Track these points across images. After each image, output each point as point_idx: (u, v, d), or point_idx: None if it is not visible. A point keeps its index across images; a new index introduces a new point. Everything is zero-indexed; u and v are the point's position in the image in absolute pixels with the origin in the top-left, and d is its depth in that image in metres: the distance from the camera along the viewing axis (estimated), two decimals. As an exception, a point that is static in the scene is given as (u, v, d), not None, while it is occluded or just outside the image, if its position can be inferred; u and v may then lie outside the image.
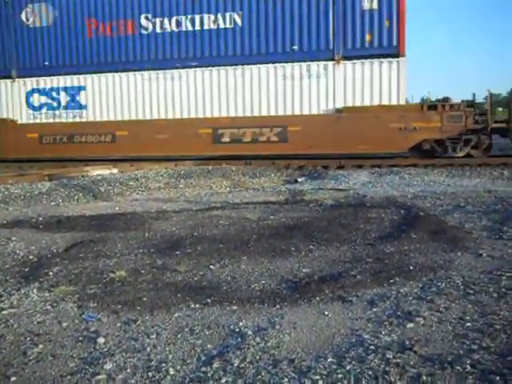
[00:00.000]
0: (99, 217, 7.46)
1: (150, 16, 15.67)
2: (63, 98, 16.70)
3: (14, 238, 6.07)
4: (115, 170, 13.77)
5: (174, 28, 15.48)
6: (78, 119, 16.66)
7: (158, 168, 14.33)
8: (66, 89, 16.63)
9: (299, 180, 12.13)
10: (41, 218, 7.44)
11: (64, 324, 3.42)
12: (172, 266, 4.70)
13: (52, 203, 9.18)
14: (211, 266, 4.69)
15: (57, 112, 16.81)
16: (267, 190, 10.57)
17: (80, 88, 16.50)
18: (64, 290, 4.09)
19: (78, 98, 16.57)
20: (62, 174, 12.82)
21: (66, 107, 16.71)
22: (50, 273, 4.60)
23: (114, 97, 16.25)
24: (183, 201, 9.14)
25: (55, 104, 16.82)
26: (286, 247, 5.27)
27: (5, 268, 4.82)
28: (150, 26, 15.65)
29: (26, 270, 4.74)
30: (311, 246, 5.29)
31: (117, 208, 8.36)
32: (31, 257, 5.21)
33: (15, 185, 10.87)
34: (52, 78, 16.69)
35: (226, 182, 11.88)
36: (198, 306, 3.70)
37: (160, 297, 3.89)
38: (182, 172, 13.13)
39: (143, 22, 15.67)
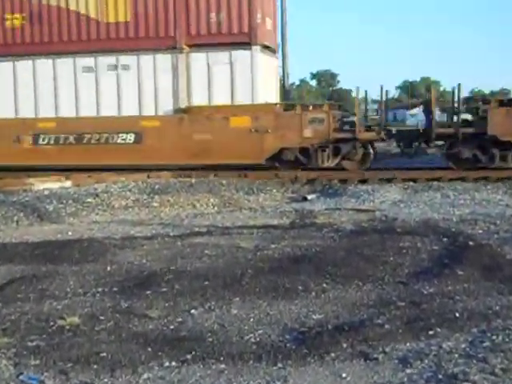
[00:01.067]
0: (46, 244, 7.40)
1: None
2: None
3: None
4: (68, 183, 13.73)
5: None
6: None
7: (125, 180, 14.30)
8: None
9: (309, 197, 12.11)
10: (-32, 246, 7.42)
11: (-5, 388, 3.39)
12: (141, 311, 4.66)
13: (-18, 226, 9.15)
14: (192, 311, 4.66)
15: None
16: (267, 210, 10.55)
17: None
18: (-4, 342, 4.06)
19: None
20: (-3, 187, 12.78)
21: None
22: (-21, 319, 4.56)
23: None
24: (157, 224, 9.10)
25: None
26: (291, 285, 5.23)
27: None
28: None
29: None
30: (324, 285, 5.26)
31: (69, 233, 8.31)
32: (-47, 298, 5.17)
33: None
34: None
35: (214, 199, 11.85)
36: (174, 363, 3.66)
37: (124, 352, 3.84)
38: (157, 186, 13.11)
39: None
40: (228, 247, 6.96)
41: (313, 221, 8.86)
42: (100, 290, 5.29)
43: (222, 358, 3.72)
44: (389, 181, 14.08)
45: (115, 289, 5.30)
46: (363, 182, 14.08)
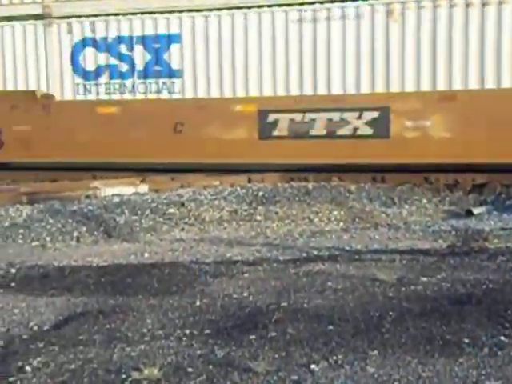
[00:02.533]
0: (115, 269, 7.63)
1: None
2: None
3: (-35, 305, 6.33)
4: (144, 188, 14.11)
5: None
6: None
7: (219, 185, 14.52)
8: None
9: (476, 212, 11.81)
10: (13, 270, 7.74)
11: None
12: (242, 362, 4.67)
13: (33, 243, 9.54)
14: (313, 366, 4.60)
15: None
16: (415, 228, 10.42)
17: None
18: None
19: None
20: (51, 192, 13.30)
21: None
22: (27, 367, 4.69)
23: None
24: (262, 244, 9.18)
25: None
26: (452, 337, 5.10)
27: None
28: None
29: (-12, 361, 4.90)
30: (502, 337, 5.08)
31: (146, 254, 8.53)
32: (-5, 338, 5.39)
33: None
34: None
35: (339, 212, 11.80)
36: None
37: (220, 419, 3.86)
38: (261, 193, 13.20)
39: None
40: (360, 279, 6.91)
41: (482, 245, 8.68)
42: (187, 332, 5.35)
43: None
44: None
45: (207, 331, 5.35)
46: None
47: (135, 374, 4.52)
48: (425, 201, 13.01)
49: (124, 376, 4.51)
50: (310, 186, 14.14)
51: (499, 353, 4.80)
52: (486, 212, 11.81)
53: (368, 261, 7.89)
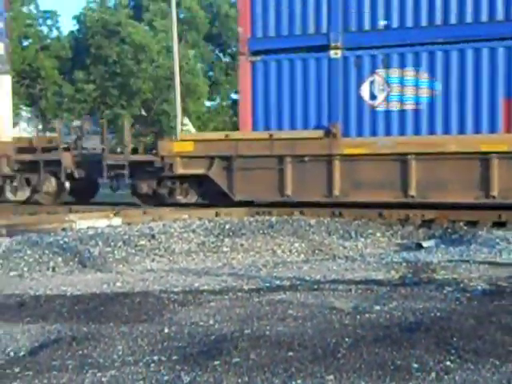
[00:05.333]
0: (89, 298, 7.55)
1: None
2: None
3: None
4: (117, 221, 14.07)
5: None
6: None
7: (188, 218, 14.51)
8: None
9: (425, 245, 11.89)
10: (-9, 298, 7.66)
11: None
12: (207, 388, 4.65)
13: (11, 273, 9.42)
14: (273, 391, 4.60)
15: None
16: (369, 260, 10.44)
17: None
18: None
19: None
20: (29, 224, 13.22)
21: None
22: (3, 393, 4.66)
23: None
24: (228, 274, 9.14)
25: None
26: (402, 362, 5.11)
27: None
28: None
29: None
30: (448, 363, 5.10)
31: (118, 284, 8.46)
32: (-27, 364, 5.31)
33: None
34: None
35: (300, 244, 11.82)
36: None
37: None
38: (227, 226, 13.21)
39: None
40: (318, 308, 6.90)
41: (431, 276, 8.71)
42: (155, 358, 5.31)
43: None
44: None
45: (175, 357, 5.32)
46: (500, 225, 13.72)
47: (105, 399, 4.50)
48: (379, 234, 13.10)
49: (95, 400, 4.49)
50: (273, 219, 14.20)
51: (445, 377, 4.83)
52: (435, 245, 11.92)
53: (326, 290, 7.89)
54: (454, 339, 5.66)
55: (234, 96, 48.24)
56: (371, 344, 5.57)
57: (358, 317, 6.50)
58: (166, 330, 6.12)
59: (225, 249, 11.35)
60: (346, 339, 5.70)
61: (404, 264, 9.78)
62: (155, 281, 8.69)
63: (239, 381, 4.79)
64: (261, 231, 12.78)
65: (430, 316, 6.47)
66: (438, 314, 6.55)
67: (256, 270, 9.59)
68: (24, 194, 17.64)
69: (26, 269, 9.62)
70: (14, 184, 17.47)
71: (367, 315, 6.56)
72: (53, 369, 5.10)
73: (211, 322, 6.42)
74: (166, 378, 4.88)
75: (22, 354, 5.53)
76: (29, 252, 10.39)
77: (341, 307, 6.90)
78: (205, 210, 15.68)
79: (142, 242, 11.32)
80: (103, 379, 4.86)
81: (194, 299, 7.44)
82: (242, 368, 5.04)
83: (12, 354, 5.54)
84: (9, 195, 17.43)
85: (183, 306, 7.09)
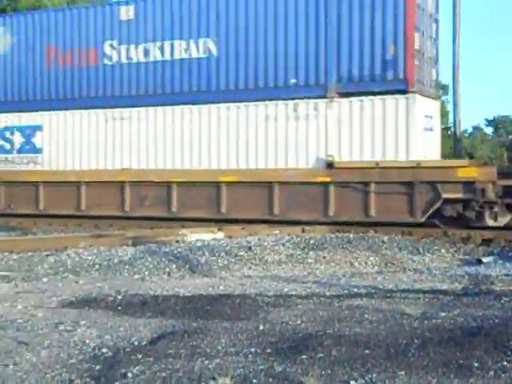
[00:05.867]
0: (197, 299, 7.69)
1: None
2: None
3: (83, 323, 6.46)
4: (220, 235, 14.24)
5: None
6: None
7: (279, 234, 14.57)
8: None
9: (485, 260, 11.57)
10: (120, 297, 7.86)
11: None
12: (296, 377, 4.65)
13: (135, 276, 9.69)
14: (352, 382, 4.57)
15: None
16: (435, 272, 10.25)
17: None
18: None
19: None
20: (150, 237, 13.54)
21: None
22: (129, 374, 4.78)
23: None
24: (312, 282, 9.13)
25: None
26: (464, 361, 5.00)
27: (69, 363, 5.12)
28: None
29: (97, 368, 4.98)
30: (505, 363, 4.96)
31: (221, 287, 8.57)
32: (105, 350, 5.47)
33: (89, 249, 11.66)
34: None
35: (375, 257, 11.69)
36: None
37: (278, 421, 3.84)
38: (312, 241, 13.18)
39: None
40: (391, 312, 6.82)
41: (490, 288, 8.52)
42: (253, 350, 5.36)
43: None
44: None
45: (268, 350, 5.35)
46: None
47: (212, 383, 4.55)
48: (443, 251, 12.82)
49: (203, 383, 4.55)
50: (351, 236, 14.08)
51: (502, 375, 4.70)
52: (493, 261, 11.58)
53: (397, 298, 7.78)
54: (511, 342, 5.51)
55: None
56: (437, 345, 5.47)
57: (426, 321, 6.39)
58: (261, 327, 6.16)
59: (309, 260, 11.33)
60: (415, 340, 5.62)
61: (466, 277, 9.58)
62: (252, 285, 8.75)
63: (323, 373, 4.77)
64: (340, 246, 12.69)
65: (489, 322, 6.31)
66: (496, 320, 6.39)
67: (336, 278, 9.55)
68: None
69: (147, 273, 9.86)
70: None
71: (434, 320, 6.44)
72: (169, 356, 5.20)
73: (298, 321, 6.42)
74: (261, 367, 4.91)
75: (143, 343, 5.67)
76: (149, 259, 10.66)
77: (410, 313, 6.79)
78: (292, 227, 15.69)
79: (241, 253, 11.43)
80: (210, 366, 4.92)
81: (284, 302, 7.46)
82: (325, 362, 5.02)
83: (136, 343, 5.68)
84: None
85: (275, 308, 7.12)
